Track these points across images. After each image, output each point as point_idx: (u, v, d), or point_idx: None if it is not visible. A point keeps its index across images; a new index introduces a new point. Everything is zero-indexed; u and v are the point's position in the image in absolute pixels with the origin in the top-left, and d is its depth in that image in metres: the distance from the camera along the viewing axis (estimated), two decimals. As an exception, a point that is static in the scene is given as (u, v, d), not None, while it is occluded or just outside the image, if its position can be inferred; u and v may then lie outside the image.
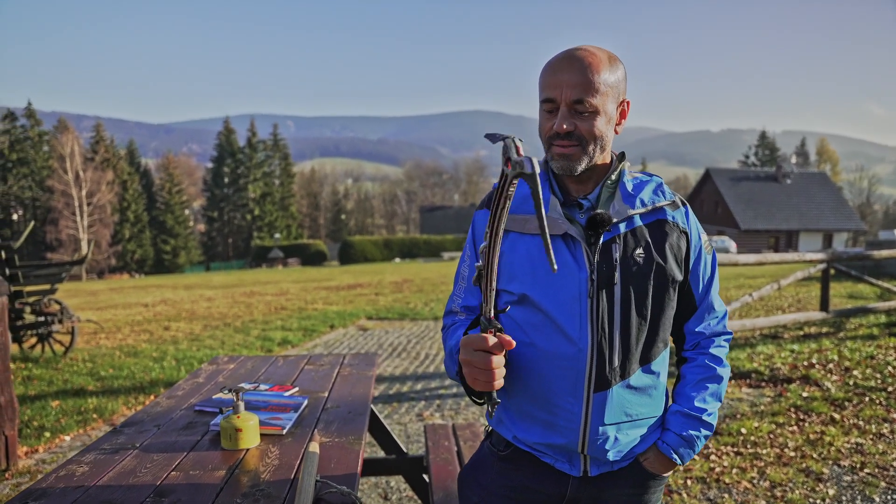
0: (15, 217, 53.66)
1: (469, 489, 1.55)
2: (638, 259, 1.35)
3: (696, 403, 1.43)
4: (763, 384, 5.77)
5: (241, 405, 1.84)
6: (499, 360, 1.18)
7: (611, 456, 1.38)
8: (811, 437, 4.33)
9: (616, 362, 1.34)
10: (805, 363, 6.32)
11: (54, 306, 8.21)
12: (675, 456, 1.41)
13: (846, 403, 5.04)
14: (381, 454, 3.63)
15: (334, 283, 21.90)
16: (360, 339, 9.19)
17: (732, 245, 37.73)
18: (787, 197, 45.70)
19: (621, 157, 1.48)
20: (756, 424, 4.59)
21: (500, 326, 1.20)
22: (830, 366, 6.19)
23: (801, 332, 8.00)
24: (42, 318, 7.88)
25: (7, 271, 7.62)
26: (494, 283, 1.16)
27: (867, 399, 5.12)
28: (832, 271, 8.04)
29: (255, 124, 76.68)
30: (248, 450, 1.81)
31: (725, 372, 1.48)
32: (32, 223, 12.00)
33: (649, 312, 1.37)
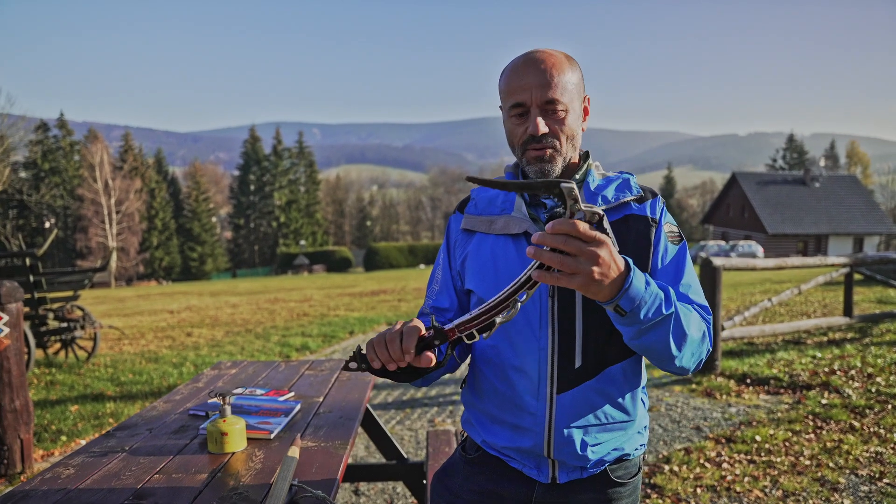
0: (47, 225, 54.80)
1: (437, 493, 1.54)
2: None
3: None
4: (781, 391, 5.66)
5: (228, 409, 1.85)
6: (406, 345, 1.13)
7: (579, 461, 1.34)
8: (828, 445, 4.23)
9: (578, 362, 1.31)
10: (826, 369, 6.18)
11: (77, 312, 8.36)
12: (630, 262, 1.12)
13: (867, 411, 4.91)
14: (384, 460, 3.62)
15: (358, 290, 21.99)
16: (377, 345, 9.20)
17: (760, 250, 37.17)
18: (816, 201, 44.89)
19: (585, 156, 1.46)
20: (771, 432, 4.50)
21: (439, 328, 1.16)
22: (852, 372, 6.05)
23: (825, 338, 7.84)
24: (65, 325, 8.03)
25: (31, 278, 7.78)
26: (484, 311, 1.12)
27: (889, 407, 4.99)
28: (857, 276, 7.87)
29: (280, 132, 77.53)
30: (233, 453, 1.82)
31: (697, 314, 1.28)
32: (55, 231, 12.23)
33: None
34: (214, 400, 2.34)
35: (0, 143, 39.08)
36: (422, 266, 53.45)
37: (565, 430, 1.32)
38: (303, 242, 70.15)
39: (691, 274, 1.37)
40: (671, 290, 1.19)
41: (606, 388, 1.34)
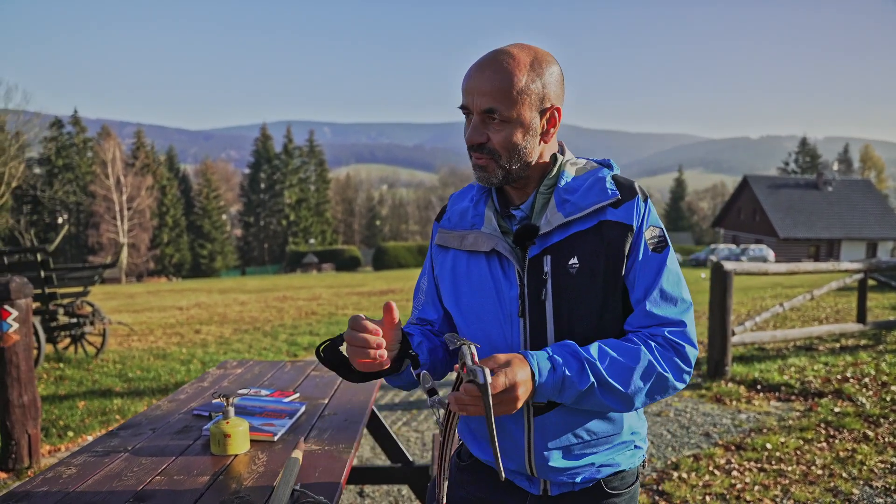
0: (60, 221, 55.20)
1: (431, 499, 1.52)
2: (571, 270, 1.22)
3: (590, 350, 1.18)
4: (793, 398, 5.58)
5: (231, 410, 1.82)
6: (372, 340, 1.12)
7: (564, 477, 1.30)
8: (841, 454, 4.17)
9: None
10: (839, 377, 6.10)
11: (86, 308, 8.38)
12: (533, 360, 1.13)
13: (881, 420, 4.83)
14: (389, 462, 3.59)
15: (367, 289, 22.00)
16: (385, 345, 9.18)
17: (771, 254, 36.95)
18: (829, 205, 44.54)
19: (554, 158, 1.33)
20: (782, 440, 4.43)
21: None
22: (866, 380, 5.97)
23: (838, 345, 7.74)
24: (75, 320, 8.06)
25: (42, 274, 7.82)
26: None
27: (903, 416, 4.92)
28: (871, 281, 7.77)
29: (291, 131, 77.79)
30: (236, 456, 1.79)
31: (647, 358, 1.18)
32: (66, 227, 12.33)
33: (589, 326, 1.23)
34: (218, 400, 2.32)
35: (16, 139, 39.37)
36: (431, 266, 53.34)
37: (545, 452, 1.28)
38: (312, 241, 70.30)
39: (668, 285, 1.25)
40: (585, 359, 1.15)
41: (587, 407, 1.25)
